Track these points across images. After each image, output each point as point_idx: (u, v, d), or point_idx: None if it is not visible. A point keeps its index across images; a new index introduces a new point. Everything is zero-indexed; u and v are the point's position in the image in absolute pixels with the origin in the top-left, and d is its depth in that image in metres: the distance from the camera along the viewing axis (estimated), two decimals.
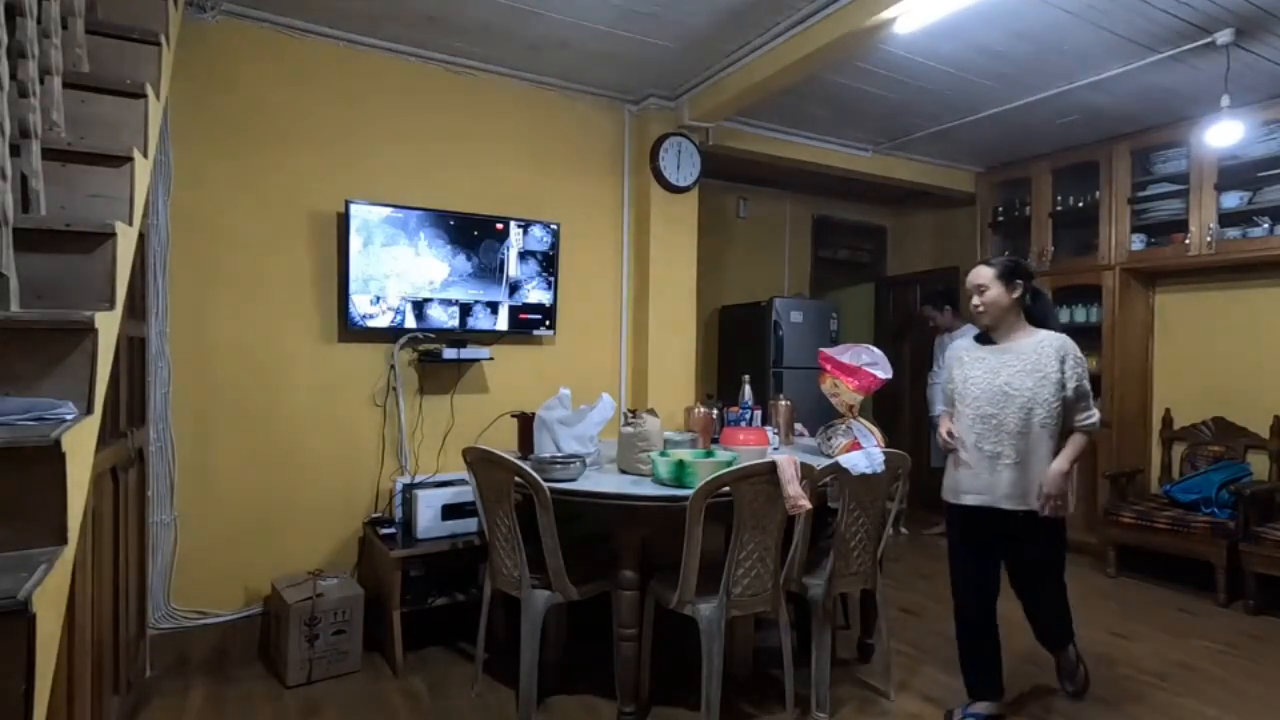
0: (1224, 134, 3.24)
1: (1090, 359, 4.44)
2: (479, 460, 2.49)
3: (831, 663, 2.48)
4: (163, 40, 2.00)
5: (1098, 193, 4.41)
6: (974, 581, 2.39)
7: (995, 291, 2.32)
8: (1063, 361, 2.25)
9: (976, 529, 2.36)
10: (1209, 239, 3.89)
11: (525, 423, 2.92)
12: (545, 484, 2.31)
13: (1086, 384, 2.27)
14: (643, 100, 3.85)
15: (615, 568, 2.40)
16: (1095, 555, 4.18)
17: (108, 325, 1.35)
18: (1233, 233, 3.89)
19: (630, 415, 2.76)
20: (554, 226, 3.52)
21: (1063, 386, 2.24)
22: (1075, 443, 2.27)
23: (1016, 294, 2.32)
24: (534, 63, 3.42)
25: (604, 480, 2.54)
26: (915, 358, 5.69)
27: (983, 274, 2.34)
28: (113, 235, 1.43)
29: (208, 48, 2.86)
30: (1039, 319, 2.37)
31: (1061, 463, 2.23)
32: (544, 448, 2.74)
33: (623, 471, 2.68)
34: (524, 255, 3.45)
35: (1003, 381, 2.28)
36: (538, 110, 3.62)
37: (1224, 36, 2.91)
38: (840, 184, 5.23)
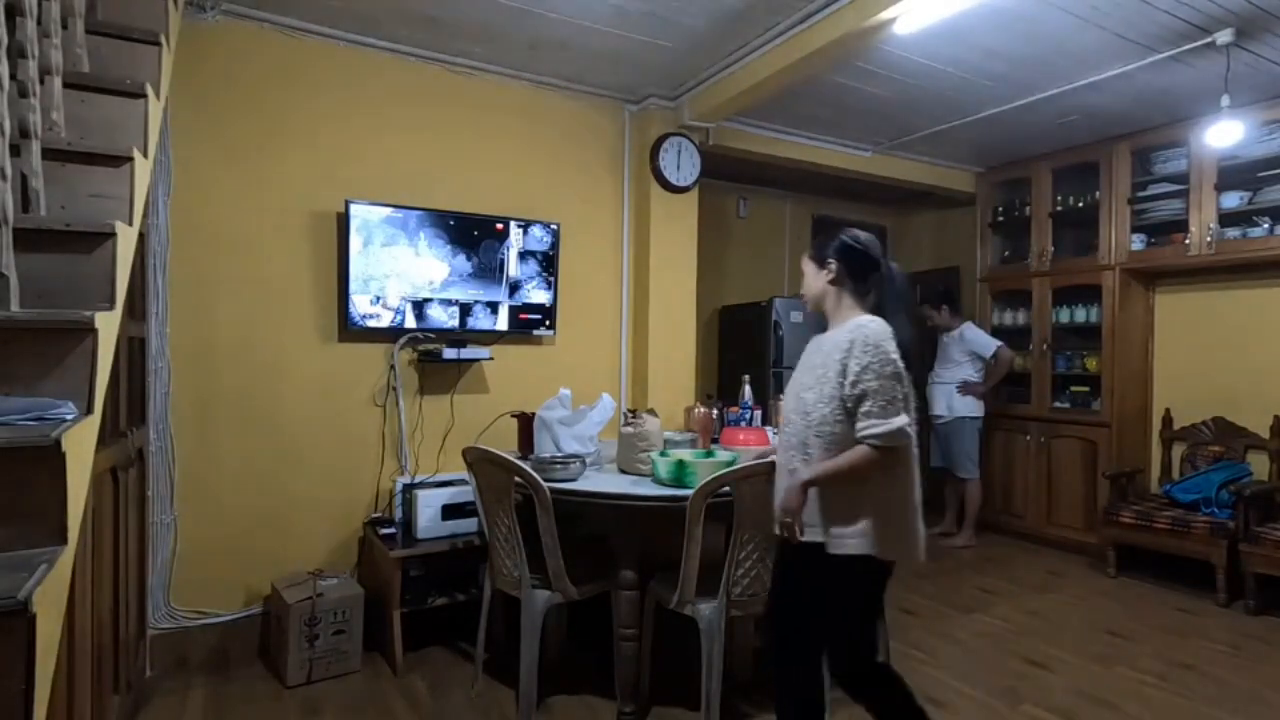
0: (1224, 134, 3.23)
1: (1090, 359, 4.46)
2: (479, 460, 2.49)
3: None
4: (163, 40, 2.00)
5: (1098, 193, 4.41)
6: (774, 619, 2.01)
7: (809, 276, 2.00)
8: (847, 353, 1.76)
9: (781, 557, 1.97)
10: (1209, 239, 3.89)
11: (525, 423, 2.92)
12: (545, 484, 2.31)
13: (873, 383, 1.72)
14: (643, 100, 3.85)
15: (615, 568, 2.40)
16: (1095, 555, 4.18)
17: (108, 325, 1.35)
18: (1233, 233, 3.89)
19: (630, 415, 2.76)
20: (554, 226, 3.52)
21: (843, 386, 1.76)
22: (847, 455, 1.73)
23: (830, 277, 1.93)
24: (534, 63, 3.42)
25: (604, 480, 2.54)
26: (915, 358, 5.67)
27: (803, 258, 2.04)
28: (113, 235, 1.43)
29: (208, 48, 2.86)
30: (878, 304, 1.92)
31: (807, 472, 1.76)
32: (544, 448, 2.74)
33: (623, 471, 2.68)
34: (524, 255, 3.45)
35: (800, 384, 1.90)
36: (538, 110, 3.62)
37: (1224, 36, 2.91)
38: (840, 184, 5.23)
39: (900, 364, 1.76)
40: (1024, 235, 4.85)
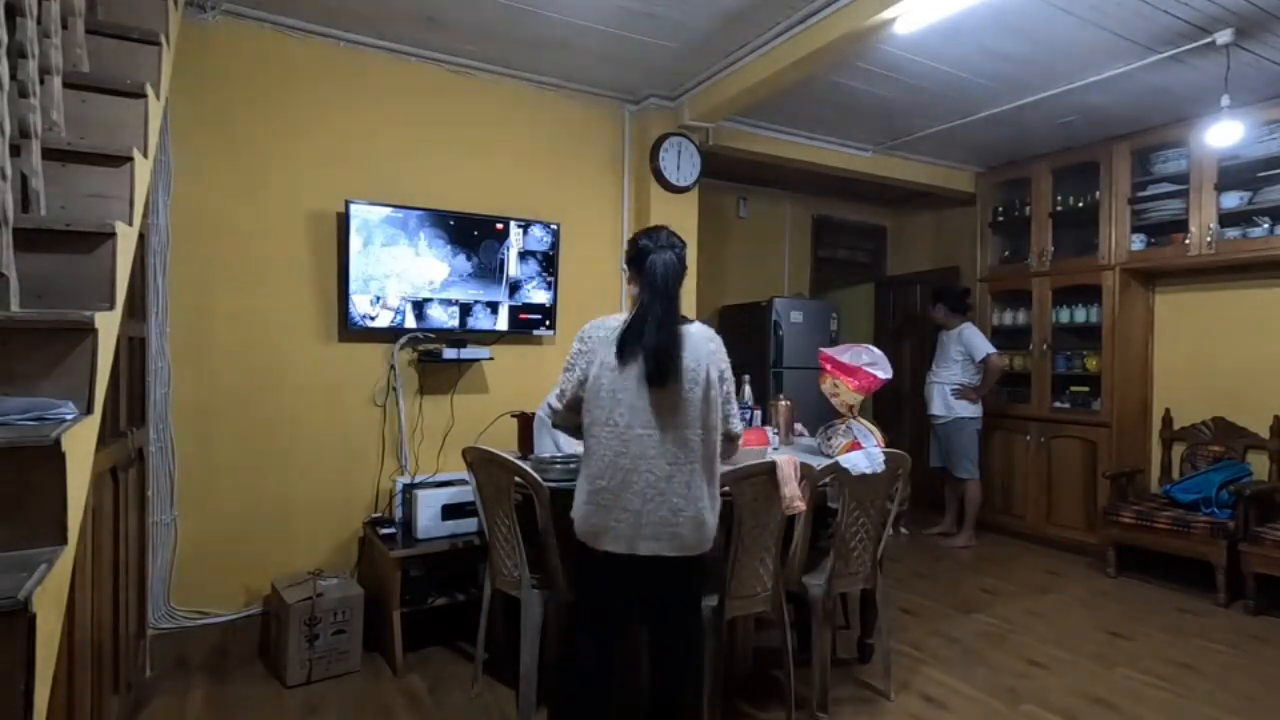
0: (1224, 134, 3.23)
1: (1090, 359, 4.47)
2: (479, 460, 2.49)
3: (831, 663, 2.49)
4: (163, 40, 2.00)
5: (1098, 193, 4.41)
6: None
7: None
8: None
9: None
10: (1209, 239, 3.89)
11: (525, 423, 2.92)
12: (545, 484, 2.30)
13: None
14: (643, 100, 3.85)
15: None
16: (1095, 555, 4.18)
17: (108, 325, 1.35)
18: (1233, 233, 3.89)
19: None
20: (554, 226, 3.52)
21: None
22: None
23: (627, 277, 2.01)
24: (534, 63, 3.42)
25: None
26: (915, 358, 5.69)
27: None
28: (113, 235, 1.43)
29: (208, 48, 2.86)
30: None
31: None
32: (544, 448, 2.74)
33: None
34: (524, 255, 3.45)
35: None
36: (538, 110, 3.62)
37: (1224, 36, 2.91)
38: (840, 184, 5.23)
39: (573, 357, 1.91)
40: (1024, 235, 4.85)
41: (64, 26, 1.58)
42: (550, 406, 1.96)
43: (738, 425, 1.99)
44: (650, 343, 1.79)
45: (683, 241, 1.97)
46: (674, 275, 1.85)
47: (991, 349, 4.49)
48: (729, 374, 1.95)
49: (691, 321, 1.94)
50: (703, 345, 1.88)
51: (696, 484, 1.83)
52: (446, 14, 2.94)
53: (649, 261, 1.87)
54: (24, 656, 0.93)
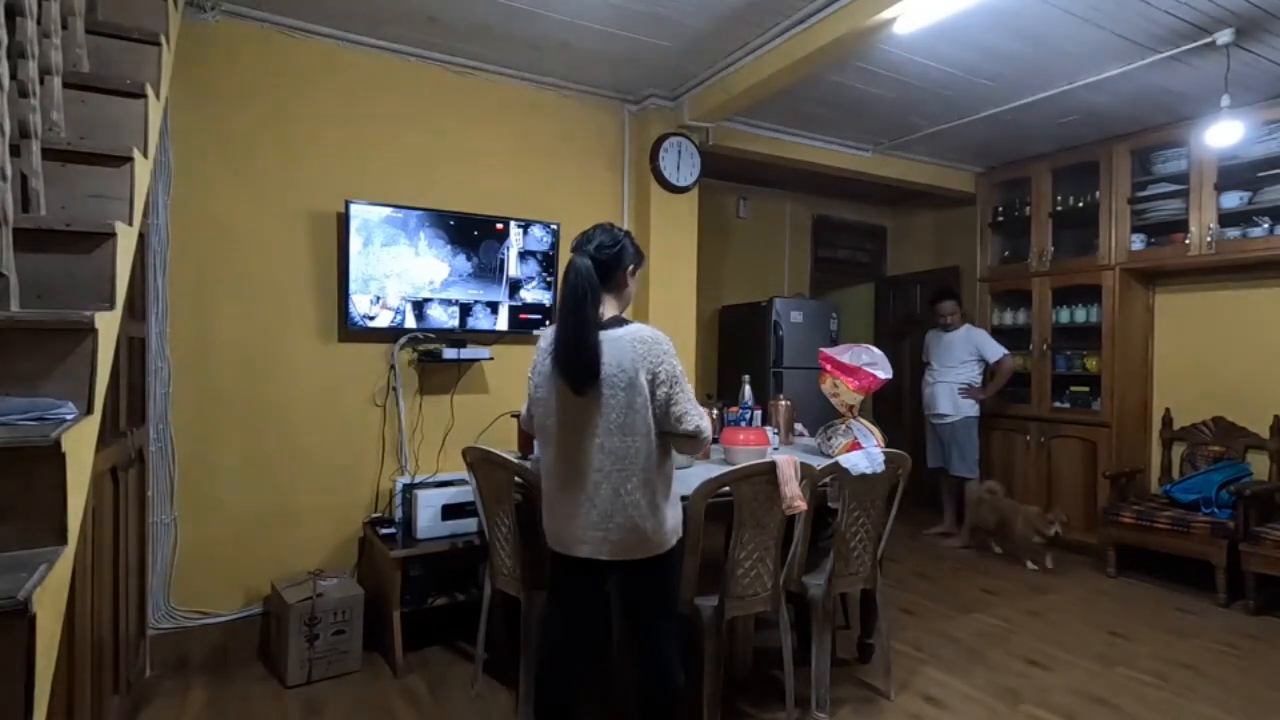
0: (1224, 134, 3.23)
1: (1090, 359, 4.47)
2: (479, 460, 2.49)
3: (831, 663, 2.48)
4: (163, 40, 2.00)
5: (1098, 193, 4.41)
6: None
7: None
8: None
9: None
10: (1209, 239, 3.89)
11: None
12: None
13: None
14: (643, 100, 3.85)
15: None
16: (1095, 555, 4.18)
17: (108, 325, 1.35)
18: (1233, 233, 3.89)
19: None
20: (554, 226, 3.52)
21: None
22: None
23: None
24: (534, 63, 3.42)
25: None
26: (915, 358, 5.67)
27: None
28: (113, 235, 1.43)
29: (208, 48, 2.86)
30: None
31: None
32: None
33: None
34: (524, 255, 3.45)
35: None
36: (538, 110, 3.62)
37: (1224, 36, 2.91)
38: (840, 184, 5.23)
39: (532, 363, 1.94)
40: (1024, 235, 4.85)
41: (64, 26, 1.58)
42: (523, 411, 2.08)
43: (691, 423, 1.81)
44: (560, 356, 1.77)
45: (615, 239, 1.85)
46: (583, 284, 1.75)
47: (1005, 351, 4.52)
48: (668, 373, 1.78)
49: (627, 323, 1.83)
50: (629, 349, 1.76)
51: (630, 490, 1.78)
52: (446, 14, 2.94)
53: (565, 268, 1.81)
54: (24, 656, 0.93)
